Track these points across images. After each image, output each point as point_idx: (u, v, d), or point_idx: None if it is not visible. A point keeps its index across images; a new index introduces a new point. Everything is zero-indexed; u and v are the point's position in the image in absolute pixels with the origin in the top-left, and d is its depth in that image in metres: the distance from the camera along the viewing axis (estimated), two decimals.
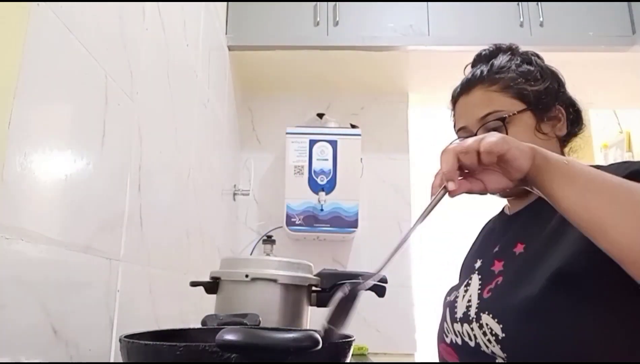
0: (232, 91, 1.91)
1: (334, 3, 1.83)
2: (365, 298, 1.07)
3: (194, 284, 0.99)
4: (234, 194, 1.98)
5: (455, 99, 0.83)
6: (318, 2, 1.83)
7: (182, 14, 1.21)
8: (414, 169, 2.23)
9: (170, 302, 1.12)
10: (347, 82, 2.13)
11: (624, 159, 0.73)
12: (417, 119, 2.36)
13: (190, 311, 1.24)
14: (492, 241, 0.79)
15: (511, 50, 0.82)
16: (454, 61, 1.90)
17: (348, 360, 0.49)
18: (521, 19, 1.80)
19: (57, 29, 0.64)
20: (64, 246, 0.65)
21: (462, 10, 1.84)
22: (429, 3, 1.85)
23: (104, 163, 0.77)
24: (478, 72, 0.80)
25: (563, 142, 0.78)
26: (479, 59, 0.84)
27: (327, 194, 1.88)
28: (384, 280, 1.03)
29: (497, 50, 0.83)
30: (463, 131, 0.80)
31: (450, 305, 0.76)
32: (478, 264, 0.77)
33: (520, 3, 1.81)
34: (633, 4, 1.81)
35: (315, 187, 1.90)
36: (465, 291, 0.74)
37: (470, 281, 0.74)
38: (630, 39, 1.78)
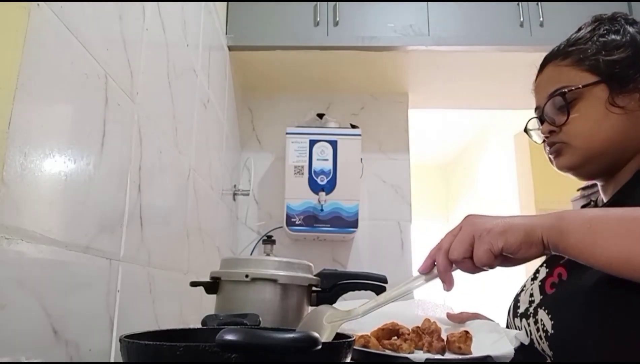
0: (232, 91, 1.91)
1: (334, 3, 1.83)
2: (366, 298, 1.07)
3: (194, 284, 0.99)
4: (234, 194, 1.98)
5: (535, 80, 0.80)
6: (318, 2, 1.83)
7: (182, 14, 1.21)
8: (414, 169, 2.23)
9: (170, 302, 1.12)
10: (347, 82, 2.13)
11: None
12: (417, 119, 2.36)
13: (190, 311, 1.24)
14: None
15: (604, 19, 0.74)
16: (454, 61, 1.93)
17: (348, 360, 0.49)
18: (521, 19, 1.80)
19: (57, 29, 0.64)
20: (64, 246, 0.65)
21: (462, 10, 1.84)
22: (429, 3, 1.85)
23: (104, 163, 0.77)
24: (555, 48, 0.75)
25: None
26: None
27: (327, 194, 1.88)
28: (384, 280, 1.03)
29: (594, 21, 0.75)
30: (537, 111, 0.77)
31: (515, 299, 0.75)
32: (550, 255, 0.75)
33: (520, 3, 1.81)
34: (633, 4, 1.81)
35: (315, 187, 1.90)
36: (532, 283, 0.72)
37: (537, 275, 0.72)
38: None
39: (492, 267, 0.55)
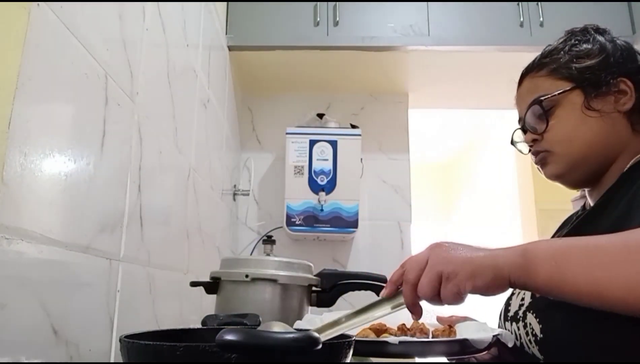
0: (232, 91, 1.91)
1: (334, 3, 1.83)
2: (366, 298, 1.08)
3: (194, 284, 0.99)
4: (234, 194, 1.98)
5: (515, 94, 0.82)
6: (318, 2, 1.83)
7: (182, 14, 1.21)
8: (414, 169, 2.24)
9: (170, 302, 1.12)
10: (347, 82, 2.14)
11: None
12: (417, 119, 2.36)
13: (190, 311, 1.24)
14: (562, 235, 0.77)
15: (576, 31, 0.77)
16: (454, 61, 1.93)
17: (348, 360, 0.49)
18: (521, 19, 1.80)
19: (57, 29, 0.64)
20: (64, 246, 0.65)
21: (462, 10, 1.85)
22: (429, 3, 1.85)
23: (104, 163, 0.77)
24: (531, 62, 0.78)
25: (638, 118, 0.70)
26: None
27: (327, 194, 1.89)
28: (383, 280, 1.03)
29: (566, 34, 0.78)
30: (520, 122, 0.79)
31: (506, 302, 0.76)
32: None
33: (520, 3, 1.81)
34: (633, 4, 1.81)
35: (315, 187, 1.90)
36: None
37: None
38: (630, 39, 1.77)
39: (459, 304, 0.56)
